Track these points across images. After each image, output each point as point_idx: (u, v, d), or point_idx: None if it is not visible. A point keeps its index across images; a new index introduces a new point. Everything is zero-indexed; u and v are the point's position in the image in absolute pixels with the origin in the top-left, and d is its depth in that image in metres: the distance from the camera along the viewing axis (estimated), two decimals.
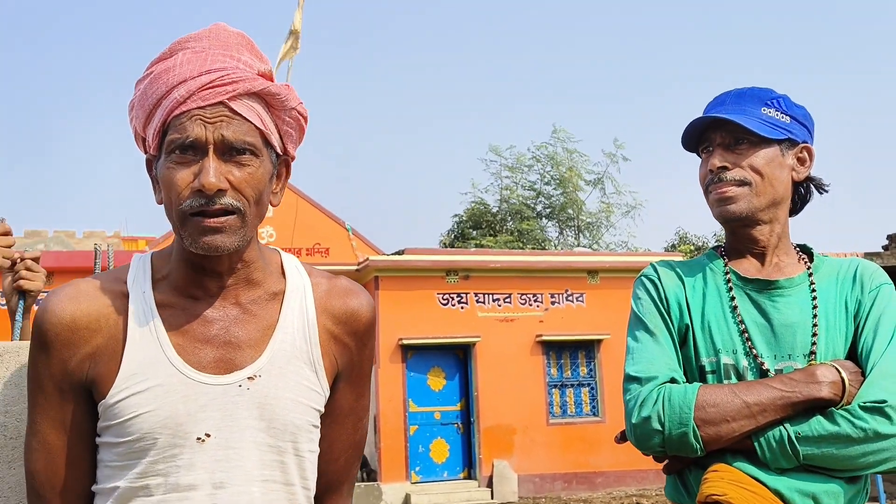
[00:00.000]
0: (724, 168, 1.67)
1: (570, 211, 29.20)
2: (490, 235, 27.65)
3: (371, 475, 14.35)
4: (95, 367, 1.23)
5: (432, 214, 50.76)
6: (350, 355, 1.37)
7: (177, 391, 1.22)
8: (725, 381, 1.59)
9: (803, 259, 1.72)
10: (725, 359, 1.61)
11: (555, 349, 15.47)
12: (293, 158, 1.35)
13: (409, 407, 14.66)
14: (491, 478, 14.57)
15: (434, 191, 46.91)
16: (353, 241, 15.87)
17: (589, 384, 15.62)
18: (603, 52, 48.09)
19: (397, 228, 46.32)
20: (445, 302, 14.97)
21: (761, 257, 1.70)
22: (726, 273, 1.70)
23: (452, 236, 29.59)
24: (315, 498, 1.36)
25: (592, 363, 15.65)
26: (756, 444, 1.50)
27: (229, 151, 1.21)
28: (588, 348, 15.66)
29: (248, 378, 1.26)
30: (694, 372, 1.64)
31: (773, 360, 1.59)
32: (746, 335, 1.61)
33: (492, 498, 14.37)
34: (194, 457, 1.21)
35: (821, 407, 1.49)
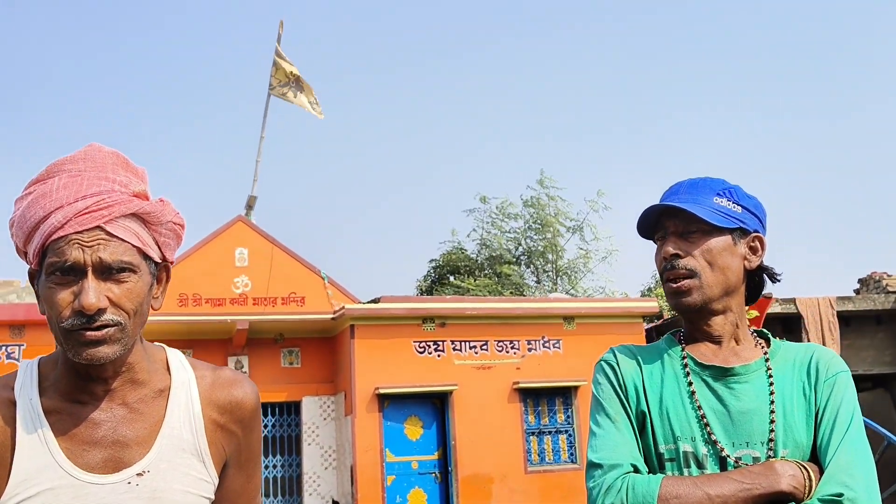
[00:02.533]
0: (677, 256, 1.70)
1: (549, 256, 29.34)
2: (471, 278, 27.70)
3: None
4: None
5: (409, 261, 50.79)
6: (238, 442, 1.44)
7: (66, 493, 1.26)
8: (685, 469, 1.60)
9: (760, 344, 1.74)
10: (684, 446, 1.62)
11: (532, 396, 15.40)
12: (172, 263, 1.42)
13: (386, 457, 14.50)
14: None
15: (410, 238, 47.06)
16: (329, 290, 15.80)
17: (567, 431, 15.55)
18: (588, 98, 48.80)
19: (373, 276, 46.23)
20: (422, 350, 14.90)
21: (718, 344, 1.72)
22: (683, 359, 1.71)
23: (429, 281, 29.59)
24: None
25: (570, 409, 15.59)
26: None
27: (108, 271, 1.27)
28: (565, 395, 15.61)
29: (138, 475, 1.31)
30: (653, 459, 1.64)
31: (732, 448, 1.60)
32: (705, 421, 1.62)
33: None
34: None
35: (782, 501, 1.51)
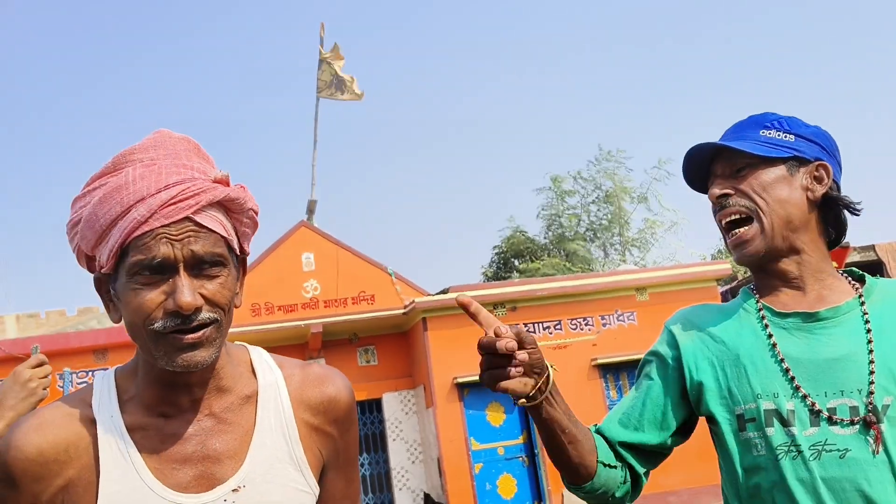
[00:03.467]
0: (726, 195, 1.58)
1: (615, 229, 29.01)
2: (532, 261, 27.54)
3: None
4: (70, 499, 1.17)
5: (473, 251, 50.81)
6: (335, 444, 1.33)
7: None
8: (767, 429, 1.47)
9: (853, 285, 1.58)
10: (766, 404, 1.48)
11: (611, 371, 15.23)
12: (248, 254, 1.31)
13: (471, 445, 14.51)
14: None
15: (473, 226, 46.94)
16: (398, 286, 15.86)
17: None
18: (646, 69, 48.09)
19: (439, 268, 46.39)
20: None
21: (798, 289, 1.57)
22: (760, 310, 1.57)
23: (494, 268, 29.53)
24: None
25: None
26: None
27: (199, 265, 1.17)
28: None
29: (233, 490, 1.21)
30: (733, 423, 1.53)
31: (825, 398, 1.46)
32: (791, 374, 1.48)
33: None
34: None
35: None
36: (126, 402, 1.23)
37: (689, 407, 1.61)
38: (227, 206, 1.22)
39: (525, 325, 15.01)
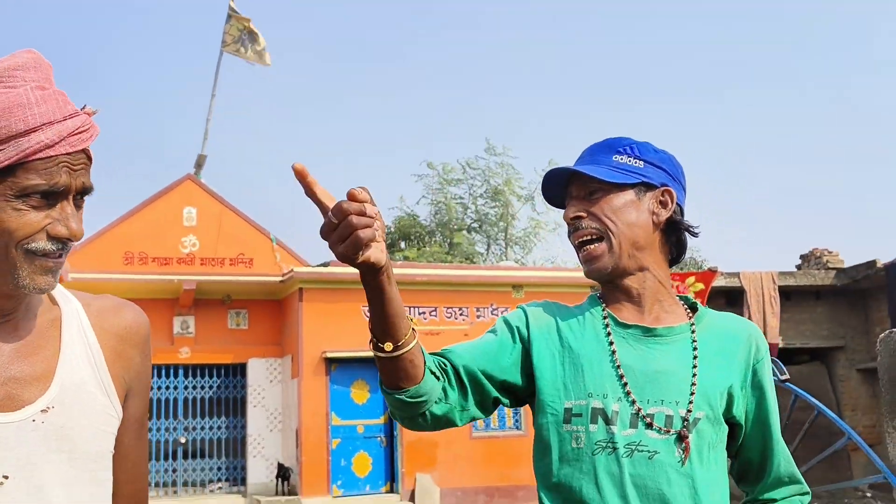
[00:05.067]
0: (579, 217, 1.69)
1: (500, 224, 29.42)
2: (419, 247, 27.67)
3: (292, 489, 14.18)
4: None
5: None
6: (136, 368, 1.36)
7: None
8: (591, 425, 1.60)
9: (687, 311, 1.74)
10: (595, 402, 1.60)
11: None
12: None
13: (331, 420, 14.54)
14: (413, 492, 14.53)
15: None
16: (277, 252, 15.70)
17: None
18: (538, 63, 48.77)
19: (323, 241, 45.81)
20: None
21: (639, 305, 1.71)
22: (605, 318, 1.70)
23: None
24: None
25: None
26: None
27: (79, 196, 1.21)
28: None
29: (42, 411, 1.21)
30: (560, 414, 1.63)
31: (647, 405, 1.60)
32: (624, 380, 1.62)
33: None
34: None
35: None
36: None
37: (519, 379, 1.69)
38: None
39: None
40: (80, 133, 1.19)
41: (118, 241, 14.84)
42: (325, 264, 15.19)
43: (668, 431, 1.58)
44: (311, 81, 49.15)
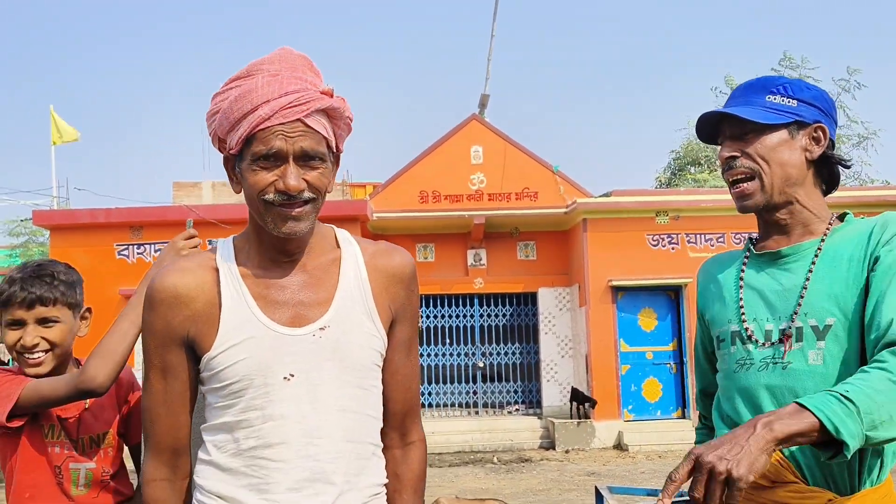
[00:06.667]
0: (733, 157, 1.77)
1: None
2: (710, 171, 26.65)
3: (586, 413, 14.60)
4: (195, 327, 1.54)
5: (647, 153, 49.51)
6: (401, 300, 1.66)
7: (265, 342, 1.52)
8: (732, 347, 1.77)
9: (829, 227, 1.75)
10: (733, 327, 1.78)
11: None
12: (342, 152, 1.63)
13: (620, 347, 14.79)
14: None
15: (647, 129, 45.56)
16: (561, 185, 15.98)
17: None
18: None
19: (608, 170, 45.58)
20: (656, 243, 14.84)
21: (787, 234, 1.78)
22: (746, 253, 1.85)
23: (669, 173, 28.83)
24: (396, 419, 1.69)
25: None
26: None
27: (304, 158, 1.50)
28: None
29: (320, 329, 1.54)
30: (715, 343, 1.86)
31: (764, 323, 1.73)
32: (741, 303, 1.77)
33: None
34: (283, 392, 1.51)
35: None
36: (240, 259, 1.60)
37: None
38: (330, 114, 1.55)
39: (687, 234, 14.89)
40: (293, 107, 1.48)
41: (413, 182, 15.88)
42: (607, 194, 15.27)
43: (783, 342, 1.69)
44: (589, 11, 48.29)
